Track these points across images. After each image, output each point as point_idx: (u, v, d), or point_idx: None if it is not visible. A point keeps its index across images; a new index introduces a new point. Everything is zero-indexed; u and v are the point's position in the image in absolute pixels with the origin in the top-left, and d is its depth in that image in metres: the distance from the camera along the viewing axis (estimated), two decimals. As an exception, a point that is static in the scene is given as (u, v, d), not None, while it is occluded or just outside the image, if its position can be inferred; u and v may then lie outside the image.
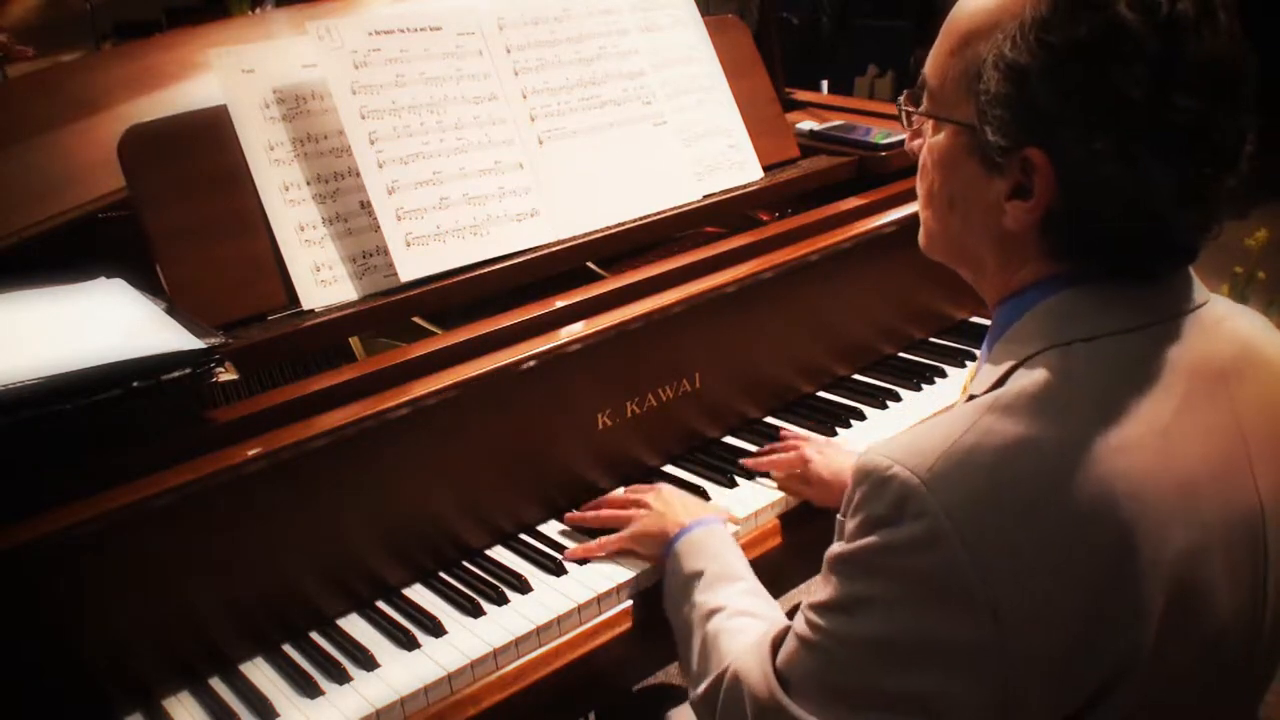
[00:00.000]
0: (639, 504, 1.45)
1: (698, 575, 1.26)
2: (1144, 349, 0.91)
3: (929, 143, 1.01)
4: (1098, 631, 0.86)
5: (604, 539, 1.43)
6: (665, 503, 1.42)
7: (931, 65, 0.99)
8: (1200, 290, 0.97)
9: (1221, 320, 0.97)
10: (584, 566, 1.41)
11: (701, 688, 1.12)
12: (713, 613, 1.18)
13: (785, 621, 1.05)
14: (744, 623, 1.15)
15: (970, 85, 0.93)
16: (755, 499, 1.55)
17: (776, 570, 1.44)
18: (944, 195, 1.00)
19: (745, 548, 1.39)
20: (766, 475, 1.60)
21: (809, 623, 0.96)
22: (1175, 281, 0.96)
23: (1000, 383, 0.92)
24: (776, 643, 1.02)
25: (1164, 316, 0.93)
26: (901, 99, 1.05)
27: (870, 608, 0.90)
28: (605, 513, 1.47)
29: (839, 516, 0.97)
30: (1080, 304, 0.93)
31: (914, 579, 0.86)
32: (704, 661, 1.14)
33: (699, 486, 1.57)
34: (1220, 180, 0.89)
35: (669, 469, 1.64)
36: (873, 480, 0.89)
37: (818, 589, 0.95)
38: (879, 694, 0.90)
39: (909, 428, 0.94)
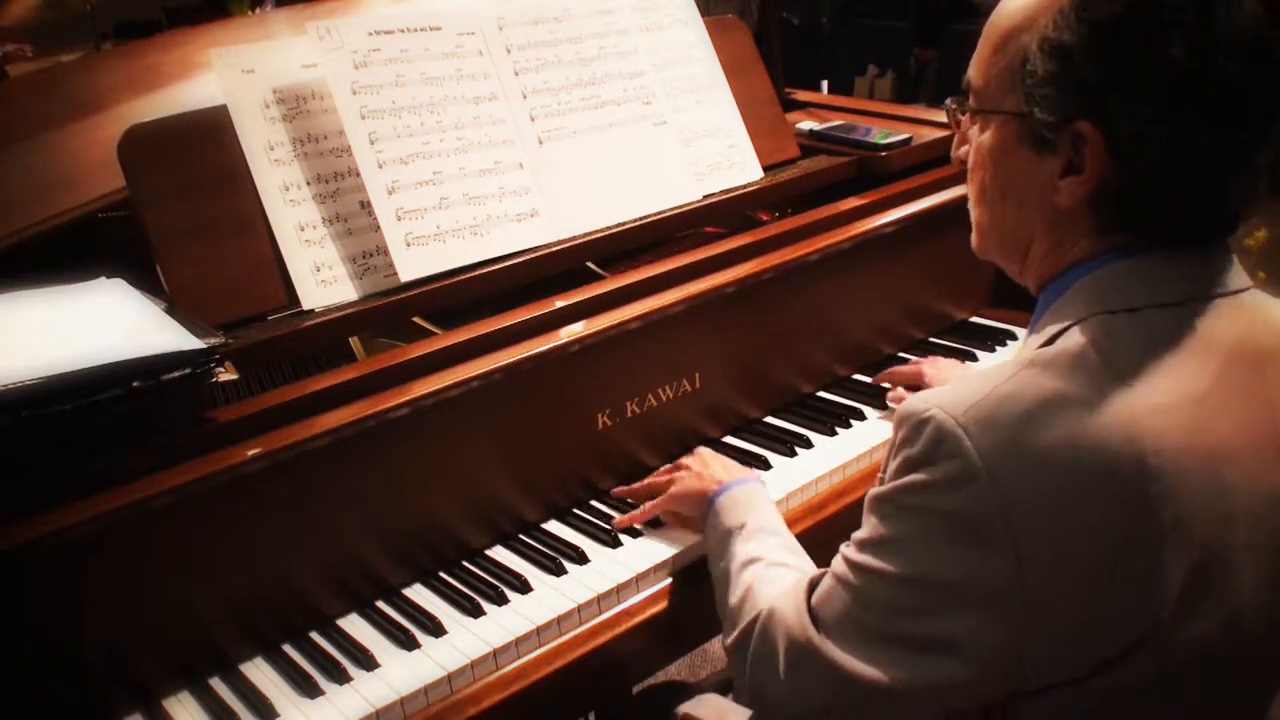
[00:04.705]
0: (679, 467, 1.50)
1: (738, 528, 1.29)
2: (1185, 323, 0.94)
3: (976, 142, 1.05)
4: (1116, 588, 0.88)
5: (647, 504, 1.48)
6: (703, 463, 1.48)
7: (975, 67, 1.03)
8: (1241, 276, 0.99)
9: (1263, 308, 1.00)
10: (584, 566, 1.41)
11: (735, 633, 1.14)
12: (750, 562, 1.22)
13: (820, 570, 1.08)
14: (781, 573, 1.18)
15: (1016, 75, 0.97)
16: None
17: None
18: (995, 187, 1.04)
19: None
20: (766, 469, 1.60)
21: (845, 560, 1.00)
22: (1218, 262, 0.98)
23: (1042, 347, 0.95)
24: (813, 584, 1.05)
25: (1206, 294, 0.96)
26: (949, 103, 1.09)
27: (901, 546, 0.94)
28: (648, 480, 1.53)
29: (882, 473, 1.00)
30: (1125, 277, 0.96)
31: (943, 517, 0.91)
32: (739, 607, 1.16)
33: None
34: (1263, 144, 0.92)
35: (669, 469, 1.64)
36: (912, 423, 0.93)
37: (859, 529, 0.99)
38: (907, 634, 0.94)
39: (951, 381, 1.00)
